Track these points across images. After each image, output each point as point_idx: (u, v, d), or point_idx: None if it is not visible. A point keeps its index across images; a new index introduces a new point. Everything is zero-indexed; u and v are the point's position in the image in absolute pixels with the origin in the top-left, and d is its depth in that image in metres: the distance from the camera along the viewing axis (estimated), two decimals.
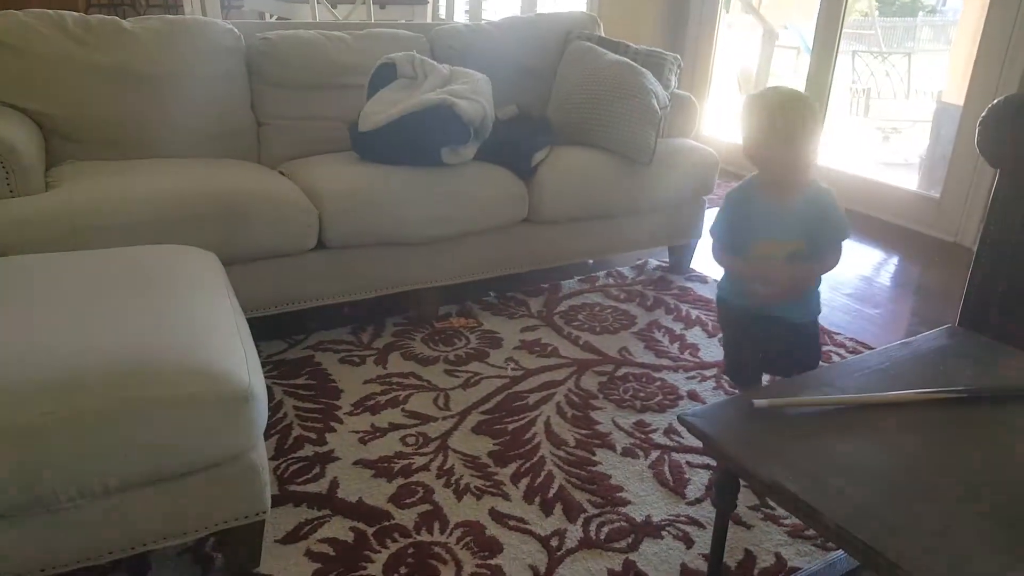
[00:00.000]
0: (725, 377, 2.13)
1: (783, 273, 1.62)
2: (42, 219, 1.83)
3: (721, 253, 1.72)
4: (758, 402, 1.23)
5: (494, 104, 2.45)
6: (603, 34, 3.05)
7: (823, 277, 1.69)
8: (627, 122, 2.56)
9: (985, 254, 1.62)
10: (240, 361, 1.32)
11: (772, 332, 1.70)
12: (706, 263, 3.01)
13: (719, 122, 4.77)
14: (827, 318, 2.62)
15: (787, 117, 1.53)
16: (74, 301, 1.40)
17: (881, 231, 3.60)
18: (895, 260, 3.32)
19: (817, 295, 1.72)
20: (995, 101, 1.56)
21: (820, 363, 1.79)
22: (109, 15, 2.38)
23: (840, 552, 1.53)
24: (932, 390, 1.26)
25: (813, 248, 1.62)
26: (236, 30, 2.50)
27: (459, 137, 2.31)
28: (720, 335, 2.35)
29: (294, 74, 2.53)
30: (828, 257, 1.65)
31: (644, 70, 2.64)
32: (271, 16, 4.67)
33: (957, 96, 3.47)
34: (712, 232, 1.72)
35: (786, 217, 1.62)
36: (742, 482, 1.28)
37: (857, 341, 2.45)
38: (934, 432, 1.20)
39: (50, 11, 2.27)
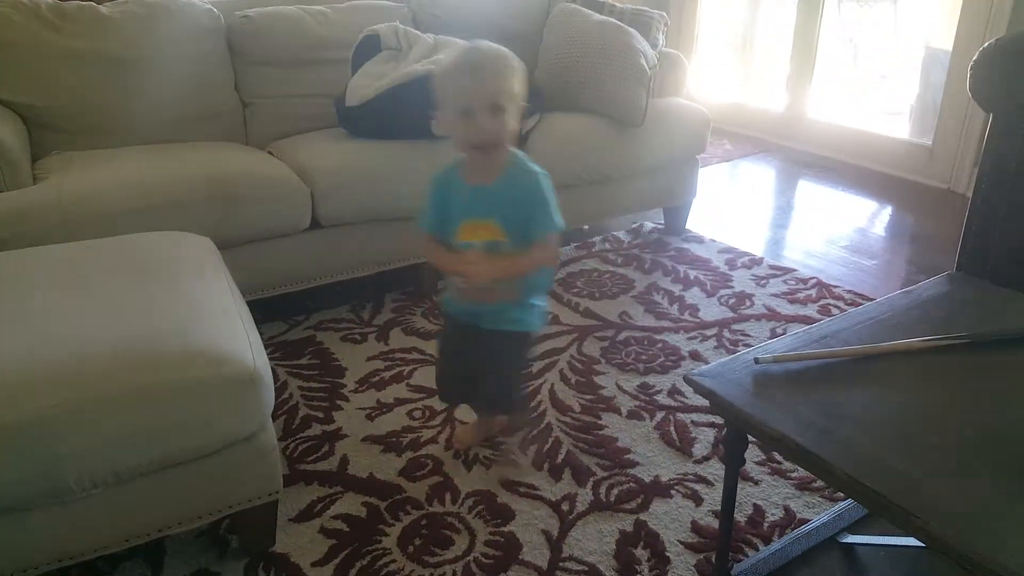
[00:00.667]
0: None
1: (482, 263, 1.39)
2: (33, 212, 1.81)
3: (425, 243, 1.51)
4: (762, 357, 1.24)
5: None
6: None
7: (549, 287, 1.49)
8: (617, 83, 2.53)
9: (981, 198, 1.61)
10: (243, 344, 1.32)
11: (483, 348, 1.53)
12: (702, 223, 3.01)
13: (707, 79, 4.72)
14: (825, 271, 2.63)
15: (481, 80, 1.34)
16: (73, 292, 1.39)
17: (874, 181, 3.59)
18: (889, 210, 3.32)
19: (533, 307, 1.53)
20: (986, 44, 1.54)
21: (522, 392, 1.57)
22: (84, 1, 2.33)
23: (848, 501, 1.55)
24: (936, 337, 1.26)
25: (518, 237, 1.41)
26: (215, 9, 2.46)
27: None
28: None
29: (276, 51, 2.50)
30: (536, 250, 1.43)
31: (631, 30, 2.61)
32: None
33: (945, 41, 3.44)
34: (420, 222, 1.50)
35: (485, 197, 1.42)
36: (750, 438, 1.29)
37: (856, 293, 2.46)
38: (940, 379, 1.20)
39: None
